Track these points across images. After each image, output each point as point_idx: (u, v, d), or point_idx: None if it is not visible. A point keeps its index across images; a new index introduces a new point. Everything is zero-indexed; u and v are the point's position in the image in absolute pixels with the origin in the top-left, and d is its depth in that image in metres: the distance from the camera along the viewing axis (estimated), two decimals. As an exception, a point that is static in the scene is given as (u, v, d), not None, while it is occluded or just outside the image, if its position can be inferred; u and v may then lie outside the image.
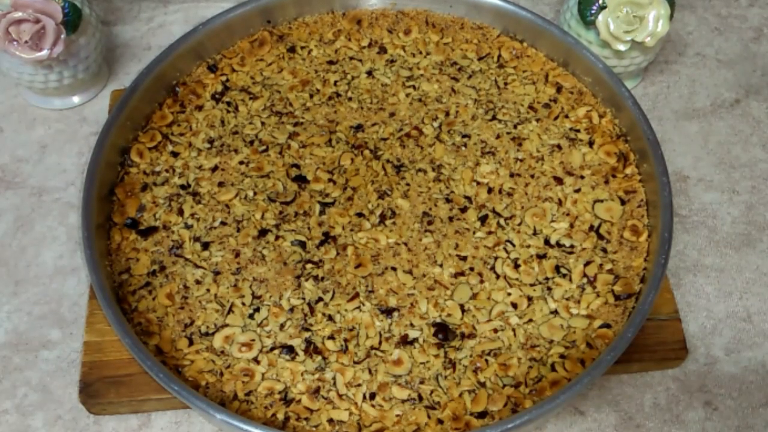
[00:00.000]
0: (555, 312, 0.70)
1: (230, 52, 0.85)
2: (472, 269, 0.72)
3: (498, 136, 0.80)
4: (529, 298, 0.70)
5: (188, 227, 0.74)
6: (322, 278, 0.71)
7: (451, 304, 0.70)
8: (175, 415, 0.71)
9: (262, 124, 0.81)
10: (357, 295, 0.70)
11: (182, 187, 0.77)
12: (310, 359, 0.67)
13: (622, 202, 0.76)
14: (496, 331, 0.69)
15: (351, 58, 0.86)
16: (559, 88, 0.83)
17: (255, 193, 0.76)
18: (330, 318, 0.69)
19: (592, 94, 0.82)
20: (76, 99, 0.89)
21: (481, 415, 0.65)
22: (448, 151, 0.79)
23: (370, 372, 0.67)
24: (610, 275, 0.72)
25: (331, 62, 0.85)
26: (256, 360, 0.67)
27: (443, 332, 0.68)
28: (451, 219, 0.75)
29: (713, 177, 0.86)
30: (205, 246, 0.73)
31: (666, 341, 0.72)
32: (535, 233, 0.74)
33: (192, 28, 0.83)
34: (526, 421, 0.60)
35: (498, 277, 0.72)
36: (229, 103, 0.82)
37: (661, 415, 0.72)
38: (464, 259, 0.72)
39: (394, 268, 0.72)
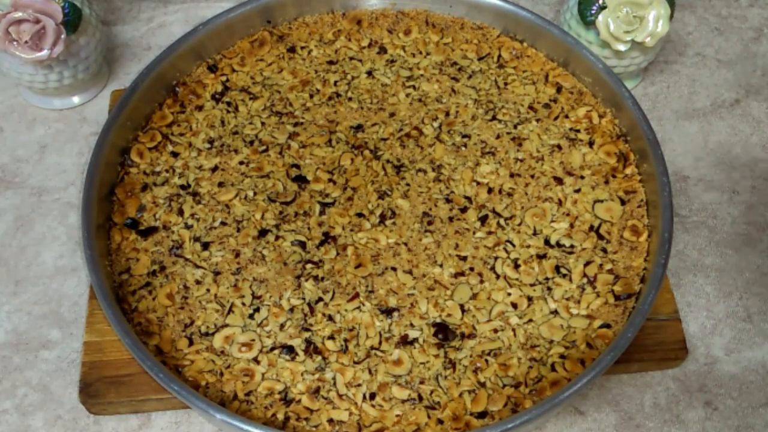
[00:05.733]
0: (555, 312, 0.70)
1: (230, 52, 0.85)
2: (472, 269, 0.72)
3: (498, 136, 0.80)
4: (529, 298, 0.70)
5: (188, 227, 0.74)
6: (322, 278, 0.71)
7: (451, 304, 0.70)
8: (175, 415, 0.71)
9: (262, 124, 0.81)
10: (357, 295, 0.70)
11: (182, 187, 0.77)
12: (310, 359, 0.67)
13: (622, 202, 0.76)
14: (496, 331, 0.69)
15: (351, 58, 0.86)
16: (559, 88, 0.83)
17: (255, 193, 0.76)
18: (330, 318, 0.69)
19: (592, 94, 0.82)
20: (76, 99, 0.89)
21: (481, 415, 0.65)
22: (448, 151, 0.79)
23: (370, 372, 0.67)
24: (610, 275, 0.72)
25: (331, 62, 0.85)
26: (256, 360, 0.67)
27: (443, 332, 0.68)
28: (451, 219, 0.75)
29: (713, 177, 0.86)
30: (205, 246, 0.73)
31: (666, 341, 0.72)
32: (535, 233, 0.74)
33: (192, 28, 0.83)
34: (526, 421, 0.60)
35: (498, 277, 0.72)
36: (229, 103, 0.82)
37: (661, 415, 0.72)
38: (464, 259, 0.72)
39: (394, 268, 0.72)
